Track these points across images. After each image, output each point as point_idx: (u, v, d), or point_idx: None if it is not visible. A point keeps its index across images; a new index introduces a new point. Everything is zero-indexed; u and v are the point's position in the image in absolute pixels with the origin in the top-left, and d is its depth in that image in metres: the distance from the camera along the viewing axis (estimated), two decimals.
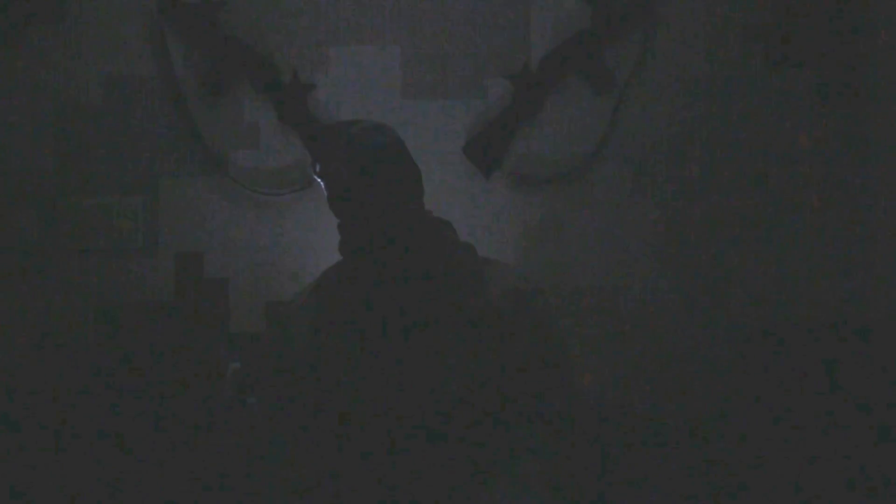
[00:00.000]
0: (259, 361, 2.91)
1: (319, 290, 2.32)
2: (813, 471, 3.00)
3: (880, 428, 2.98)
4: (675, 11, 3.11)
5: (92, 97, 3.05)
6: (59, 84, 3.05)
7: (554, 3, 3.09)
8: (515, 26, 3.09)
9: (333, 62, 3.08)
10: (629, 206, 3.12)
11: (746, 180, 3.12)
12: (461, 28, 3.08)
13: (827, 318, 3.07)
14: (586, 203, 3.12)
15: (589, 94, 3.12)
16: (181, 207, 3.07)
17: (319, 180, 2.30)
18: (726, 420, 3.04)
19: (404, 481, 2.14)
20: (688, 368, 3.06)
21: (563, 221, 3.12)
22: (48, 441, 2.97)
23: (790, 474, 3.01)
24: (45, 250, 3.04)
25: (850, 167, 3.10)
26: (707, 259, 3.12)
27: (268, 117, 3.08)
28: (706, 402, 3.05)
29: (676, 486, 3.01)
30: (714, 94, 3.12)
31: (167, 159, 3.08)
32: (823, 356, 3.04)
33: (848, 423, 3.01)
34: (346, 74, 3.09)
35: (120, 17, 3.05)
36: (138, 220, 3.05)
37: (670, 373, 3.07)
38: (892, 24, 3.01)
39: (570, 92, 3.11)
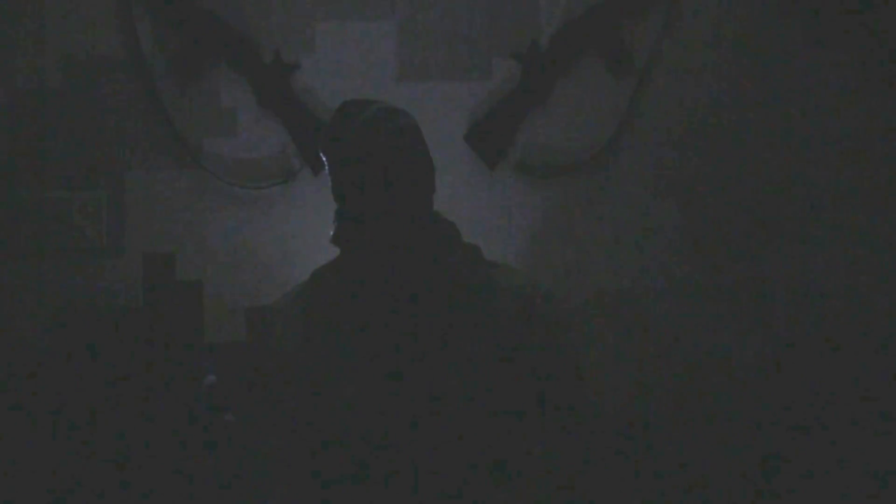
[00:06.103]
0: (237, 374, 2.93)
1: (310, 291, 2.28)
2: (842, 478, 3.03)
3: None
4: None
5: (50, 79, 3.01)
6: (12, 65, 3.00)
7: None
8: (523, 0, 3.09)
9: (320, 40, 3.06)
10: (648, 202, 3.09)
11: (777, 173, 3.10)
12: (463, 2, 3.07)
13: (859, 322, 3.08)
14: (601, 198, 3.09)
15: (605, 76, 3.09)
16: (150, 202, 3.04)
17: (323, 157, 2.27)
18: (749, 428, 3.05)
19: (407, 499, 2.09)
20: (710, 376, 3.07)
21: (575, 218, 3.08)
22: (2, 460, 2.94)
23: (817, 480, 3.03)
24: None
25: (893, 157, 3.12)
26: (734, 260, 3.09)
27: (247, 102, 3.05)
28: (730, 411, 3.05)
29: (695, 492, 3.01)
30: (744, 76, 3.10)
31: (134, 149, 3.04)
32: (854, 362, 3.05)
33: (880, 431, 3.02)
34: (334, 54, 3.07)
35: None
36: (102, 216, 3.02)
37: (692, 382, 3.07)
38: None
39: (584, 74, 3.09)
